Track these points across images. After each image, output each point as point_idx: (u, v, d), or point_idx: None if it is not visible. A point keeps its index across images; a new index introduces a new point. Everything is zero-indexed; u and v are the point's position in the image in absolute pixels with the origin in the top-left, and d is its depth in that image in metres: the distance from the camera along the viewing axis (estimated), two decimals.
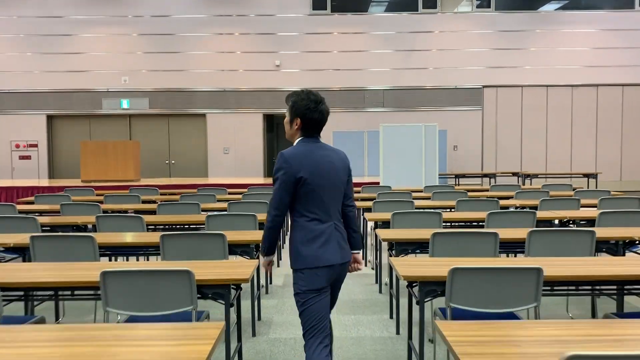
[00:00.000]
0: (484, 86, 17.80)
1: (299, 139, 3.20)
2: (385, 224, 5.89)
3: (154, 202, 8.34)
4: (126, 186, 13.11)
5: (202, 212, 6.90)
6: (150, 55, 17.69)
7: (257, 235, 4.78)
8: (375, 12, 17.96)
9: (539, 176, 15.57)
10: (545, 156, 17.77)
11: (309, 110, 3.14)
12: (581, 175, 15.44)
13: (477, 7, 17.85)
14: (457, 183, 16.16)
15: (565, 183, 10.66)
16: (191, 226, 6.00)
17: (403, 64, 17.80)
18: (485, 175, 16.03)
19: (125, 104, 17.56)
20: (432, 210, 5.78)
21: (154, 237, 4.62)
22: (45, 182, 14.86)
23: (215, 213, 5.71)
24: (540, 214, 5.95)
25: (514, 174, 16.16)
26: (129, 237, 4.89)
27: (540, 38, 17.75)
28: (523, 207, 7.29)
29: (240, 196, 8.60)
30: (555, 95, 17.83)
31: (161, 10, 17.62)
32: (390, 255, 4.77)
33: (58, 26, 17.56)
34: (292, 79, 17.65)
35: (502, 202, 7.12)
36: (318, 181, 3.11)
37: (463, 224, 6.02)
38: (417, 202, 7.15)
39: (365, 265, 7.54)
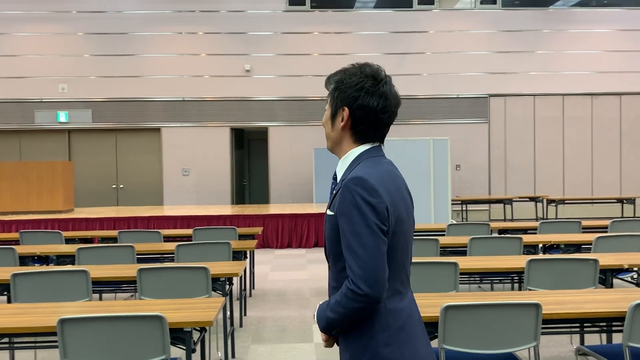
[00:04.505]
0: (490, 95, 15.18)
1: (360, 149, 1.93)
2: (429, 326, 3.06)
3: (43, 259, 5.40)
4: (50, 220, 10.33)
5: (97, 286, 4.08)
6: (95, 58, 14.74)
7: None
8: (362, 8, 15.29)
9: (566, 202, 12.88)
10: (562, 176, 15.12)
11: (367, 93, 1.88)
12: (614, 201, 12.82)
13: (481, 2, 15.29)
14: (463, 210, 13.44)
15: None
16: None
17: (395, 69, 15.01)
18: (499, 201, 13.27)
19: (62, 117, 14.52)
20: (523, 303, 2.95)
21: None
22: None
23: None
24: None
25: (532, 199, 13.48)
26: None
27: (554, 39, 15.21)
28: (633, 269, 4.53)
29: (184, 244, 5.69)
30: (573, 106, 15.25)
31: (111, 5, 14.74)
32: None
33: None
34: (265, 87, 14.83)
35: (604, 263, 4.34)
36: (406, 227, 1.89)
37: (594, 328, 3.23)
38: (460, 263, 4.30)
39: None
